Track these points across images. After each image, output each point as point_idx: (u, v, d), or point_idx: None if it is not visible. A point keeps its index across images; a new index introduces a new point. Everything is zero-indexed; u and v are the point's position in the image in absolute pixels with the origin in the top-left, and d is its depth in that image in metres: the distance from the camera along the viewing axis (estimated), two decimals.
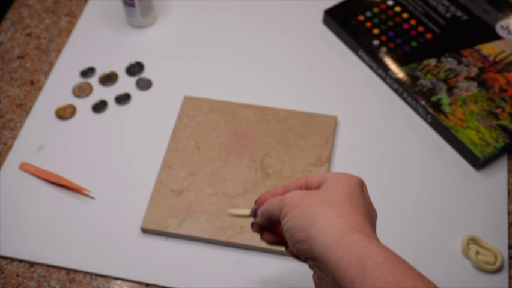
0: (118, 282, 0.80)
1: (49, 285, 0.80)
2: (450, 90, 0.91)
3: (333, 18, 1.01)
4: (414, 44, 0.97)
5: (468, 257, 0.79)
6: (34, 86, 0.99)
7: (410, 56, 0.96)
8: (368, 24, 1.00)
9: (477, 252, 0.79)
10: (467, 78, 0.93)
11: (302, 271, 0.78)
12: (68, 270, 0.81)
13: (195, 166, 0.87)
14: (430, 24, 0.99)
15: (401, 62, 0.95)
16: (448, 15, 1.00)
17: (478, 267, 0.78)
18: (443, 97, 0.91)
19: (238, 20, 1.06)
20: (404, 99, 0.94)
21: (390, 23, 1.00)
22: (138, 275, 0.79)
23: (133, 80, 0.99)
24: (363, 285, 0.50)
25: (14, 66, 1.01)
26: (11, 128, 0.94)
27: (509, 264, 0.79)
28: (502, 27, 0.98)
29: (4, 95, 0.98)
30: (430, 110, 0.90)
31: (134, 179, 0.88)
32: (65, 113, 0.95)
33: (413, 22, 1.00)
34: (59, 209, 0.85)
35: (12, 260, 0.82)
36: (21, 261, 0.82)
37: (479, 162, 0.86)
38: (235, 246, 0.81)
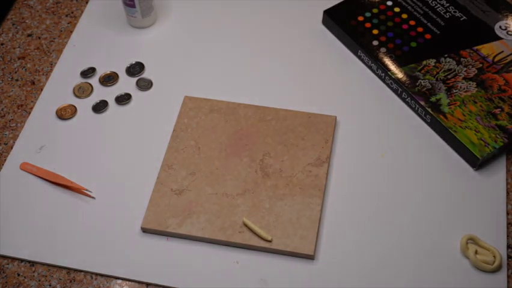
0: (119, 281, 0.80)
1: (50, 285, 0.80)
2: (449, 91, 0.92)
3: (333, 18, 1.01)
4: (413, 44, 0.98)
5: (467, 257, 0.80)
6: (35, 86, 0.99)
7: (409, 57, 0.96)
8: (368, 25, 1.00)
9: (476, 252, 0.79)
10: (466, 78, 0.93)
11: (302, 271, 0.79)
12: (69, 270, 0.81)
13: (195, 166, 0.87)
14: (429, 25, 1.00)
15: (400, 63, 0.95)
16: (447, 15, 1.00)
17: (477, 267, 0.79)
18: (442, 97, 0.91)
19: (238, 20, 1.06)
20: (403, 100, 0.94)
21: (390, 24, 1.00)
22: (138, 274, 0.80)
23: (133, 80, 0.99)
24: None
25: (15, 67, 1.02)
26: (11, 128, 0.94)
27: (508, 264, 0.80)
28: (500, 27, 0.98)
29: (5, 95, 0.98)
30: (429, 110, 0.90)
31: (135, 178, 0.88)
32: (65, 113, 0.95)
33: (412, 23, 1.00)
34: (60, 209, 0.85)
35: (13, 259, 0.82)
36: (22, 260, 0.82)
37: (478, 162, 0.86)
38: (235, 246, 0.81)
